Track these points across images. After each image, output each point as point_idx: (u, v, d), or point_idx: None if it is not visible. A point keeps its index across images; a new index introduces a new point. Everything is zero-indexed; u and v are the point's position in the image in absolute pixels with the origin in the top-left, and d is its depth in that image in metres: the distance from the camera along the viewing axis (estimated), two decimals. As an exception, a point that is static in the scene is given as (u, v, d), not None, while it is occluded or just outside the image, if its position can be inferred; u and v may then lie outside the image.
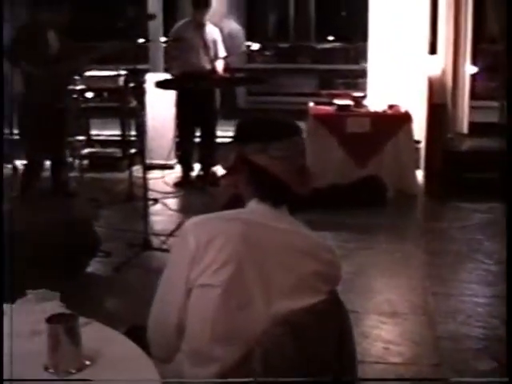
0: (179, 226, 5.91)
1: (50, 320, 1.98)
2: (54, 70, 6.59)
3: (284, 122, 2.25)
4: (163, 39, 8.60)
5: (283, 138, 2.16)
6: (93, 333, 2.13)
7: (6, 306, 2.25)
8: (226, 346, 2.07)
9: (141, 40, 6.61)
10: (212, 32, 7.65)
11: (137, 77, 6.94)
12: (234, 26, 10.78)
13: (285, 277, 2.10)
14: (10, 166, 8.20)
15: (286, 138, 2.16)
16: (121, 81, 8.00)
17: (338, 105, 7.09)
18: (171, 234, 5.66)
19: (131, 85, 7.74)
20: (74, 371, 1.95)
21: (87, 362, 1.98)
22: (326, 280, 2.17)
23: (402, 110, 7.01)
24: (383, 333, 4.26)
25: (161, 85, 6.53)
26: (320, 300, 2.13)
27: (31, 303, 2.30)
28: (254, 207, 2.18)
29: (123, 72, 7.91)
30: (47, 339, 1.96)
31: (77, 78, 7.85)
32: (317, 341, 2.12)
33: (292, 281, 2.11)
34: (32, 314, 2.23)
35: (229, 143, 2.25)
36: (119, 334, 2.20)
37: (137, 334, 2.22)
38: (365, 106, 7.13)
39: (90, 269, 5.12)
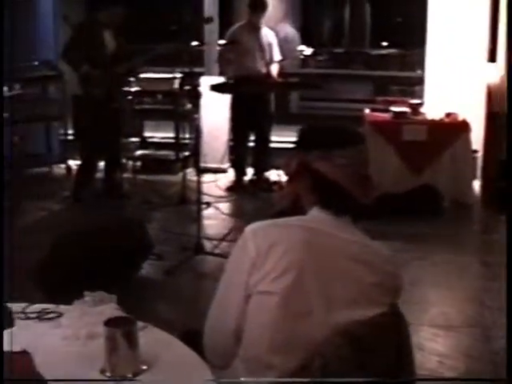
0: (231, 230, 5.91)
1: (108, 323, 1.96)
2: (109, 71, 6.64)
3: (348, 130, 2.22)
4: (219, 42, 8.60)
5: (347, 145, 2.12)
6: (149, 337, 2.11)
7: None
8: (283, 354, 2.04)
9: (196, 43, 6.62)
10: (268, 35, 7.62)
11: (192, 80, 6.95)
12: (289, 29, 10.76)
13: (345, 287, 2.06)
14: (63, 165, 8.29)
15: (349, 145, 2.13)
16: (176, 83, 8.02)
17: (395, 112, 7.00)
18: (223, 239, 5.65)
19: (186, 88, 7.76)
20: (130, 375, 1.93)
21: (144, 367, 1.96)
22: (388, 292, 2.13)
23: (460, 118, 6.88)
24: (438, 346, 4.18)
25: (216, 88, 6.53)
26: (381, 312, 2.08)
27: (88, 305, 2.29)
28: (316, 215, 2.14)
29: (178, 75, 7.93)
30: (105, 342, 1.95)
31: (132, 79, 7.90)
32: (376, 353, 2.07)
33: (353, 291, 2.07)
34: (89, 316, 2.22)
35: (291, 150, 2.21)
36: (175, 339, 2.18)
37: (193, 338, 2.20)
38: (422, 114, 7.03)
39: (141, 272, 5.11)
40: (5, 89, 6.29)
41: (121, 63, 6.79)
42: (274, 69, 7.63)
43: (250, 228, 2.12)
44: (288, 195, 2.24)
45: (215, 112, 7.95)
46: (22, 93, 6.69)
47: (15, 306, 2.34)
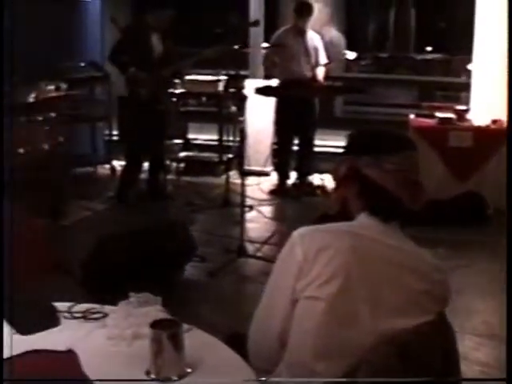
0: (274, 234, 5.91)
1: (154, 325, 1.97)
2: (156, 73, 6.67)
3: (397, 136, 2.20)
4: (264, 45, 8.60)
5: (397, 151, 2.10)
6: (194, 339, 2.11)
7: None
8: (328, 360, 2.02)
9: (241, 45, 6.62)
10: (313, 39, 7.60)
11: (236, 82, 6.96)
12: (334, 33, 10.74)
13: (393, 294, 2.04)
14: (107, 166, 8.36)
15: (399, 151, 2.10)
16: (220, 86, 8.03)
17: (440, 118, 6.94)
18: (266, 242, 5.65)
19: (231, 90, 7.77)
20: (175, 378, 1.94)
21: (188, 369, 1.97)
22: (435, 300, 2.11)
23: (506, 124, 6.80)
24: (480, 355, 4.13)
25: (260, 91, 6.53)
26: (428, 320, 2.06)
27: (133, 306, 2.30)
28: (364, 221, 2.12)
29: (223, 77, 7.94)
30: (150, 344, 1.95)
31: (177, 81, 7.94)
32: (423, 361, 2.05)
33: (400, 299, 2.04)
34: (134, 317, 2.23)
35: (340, 155, 2.19)
36: (220, 342, 2.18)
37: (237, 341, 2.20)
38: (467, 120, 6.95)
39: (185, 273, 5.13)
40: (51, 87, 6.35)
41: (167, 66, 6.82)
42: (320, 72, 7.60)
43: (297, 232, 2.11)
44: (336, 200, 2.22)
45: (259, 115, 7.95)
46: (68, 93, 6.74)
47: (61, 305, 2.37)
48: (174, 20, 6.89)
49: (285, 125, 7.59)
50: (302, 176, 7.60)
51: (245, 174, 5.88)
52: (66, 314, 2.32)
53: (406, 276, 2.06)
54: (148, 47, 6.77)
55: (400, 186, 2.08)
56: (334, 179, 2.21)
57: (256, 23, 6.70)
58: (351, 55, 12.62)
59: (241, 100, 6.25)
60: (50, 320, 2.29)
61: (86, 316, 2.31)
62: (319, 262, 2.01)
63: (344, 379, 2.00)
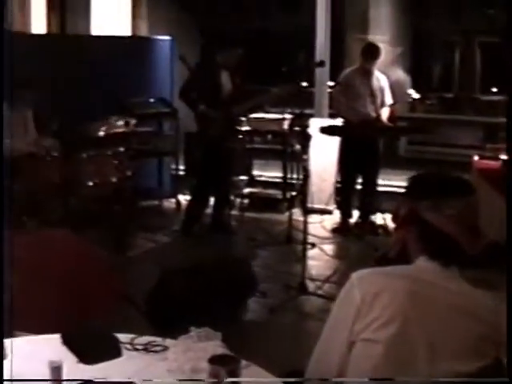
0: (335, 272, 5.91)
1: (212, 360, 2.00)
2: (225, 111, 6.79)
3: (457, 180, 2.20)
4: (329, 84, 8.66)
5: (457, 196, 2.11)
6: (252, 376, 2.14)
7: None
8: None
9: (307, 84, 6.69)
10: (380, 79, 7.61)
11: (301, 121, 7.03)
12: (400, 73, 10.73)
13: (451, 338, 2.04)
14: (173, 200, 8.49)
15: (460, 196, 2.11)
16: (285, 124, 8.10)
17: (504, 160, 6.87)
18: (327, 280, 5.66)
19: (295, 128, 7.83)
20: (232, 413, 1.97)
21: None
22: (493, 345, 2.09)
23: None
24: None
25: (325, 131, 6.58)
26: (485, 365, 2.05)
27: (193, 341, 2.35)
28: (423, 265, 2.13)
29: (288, 116, 8.00)
30: (208, 379, 1.99)
31: (243, 119, 8.04)
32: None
33: (458, 343, 2.04)
34: (193, 352, 2.28)
35: (400, 197, 2.22)
36: (278, 379, 2.20)
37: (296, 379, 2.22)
38: (533, 163, 6.86)
39: (246, 309, 5.16)
40: (121, 123, 6.51)
41: (236, 104, 6.94)
42: (385, 112, 7.61)
43: (356, 275, 2.13)
44: (395, 243, 2.24)
45: (323, 153, 7.99)
46: (137, 128, 6.90)
47: (123, 337, 2.44)
48: (242, 58, 7.02)
49: (349, 164, 7.61)
50: (365, 215, 7.59)
51: (307, 211, 5.91)
52: (128, 346, 2.39)
53: (465, 320, 2.06)
54: (217, 86, 6.90)
55: (459, 231, 2.09)
56: (394, 222, 2.23)
57: (321, 64, 6.78)
58: (417, 95, 12.59)
59: (305, 138, 6.30)
60: (113, 351, 2.35)
61: (147, 348, 2.37)
62: (377, 305, 2.03)
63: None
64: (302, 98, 6.49)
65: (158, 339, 2.44)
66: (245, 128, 8.10)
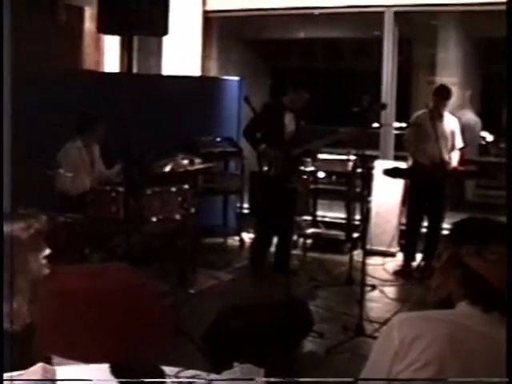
0: (394, 315, 5.86)
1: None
2: (286, 152, 6.87)
3: (501, 225, 2.20)
4: (395, 126, 8.65)
5: (499, 241, 2.11)
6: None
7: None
8: None
9: (374, 125, 6.72)
10: (450, 122, 7.56)
11: (366, 162, 7.04)
12: (470, 116, 10.63)
13: None
14: (237, 237, 8.58)
15: (501, 241, 2.11)
16: (350, 165, 8.12)
17: None
18: (385, 323, 5.62)
19: (359, 170, 7.84)
20: None
21: None
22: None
23: None
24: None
25: (388, 173, 6.57)
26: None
27: (235, 376, 2.38)
28: (464, 310, 2.12)
29: (353, 157, 8.02)
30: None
31: (308, 159, 8.09)
32: None
33: (494, 389, 2.04)
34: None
35: (443, 241, 2.23)
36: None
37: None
38: None
39: (302, 348, 5.17)
40: (185, 162, 6.63)
41: (298, 145, 7.02)
42: (455, 156, 7.55)
43: (397, 317, 2.15)
44: (438, 288, 2.25)
45: (387, 195, 7.98)
46: (203, 167, 7.01)
47: (170, 370, 2.49)
48: (307, 101, 7.10)
49: (415, 206, 7.57)
50: (429, 258, 7.52)
51: (368, 253, 5.91)
52: (174, 379, 2.44)
53: (503, 367, 2.05)
54: (280, 126, 7.01)
55: (501, 277, 2.08)
56: (436, 266, 2.24)
57: (383, 106, 6.80)
58: (489, 138, 12.45)
59: (368, 180, 6.31)
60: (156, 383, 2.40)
61: (191, 382, 2.42)
62: (415, 348, 2.03)
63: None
64: (367, 139, 6.50)
65: (203, 373, 2.48)
66: (309, 168, 8.15)
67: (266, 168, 6.93)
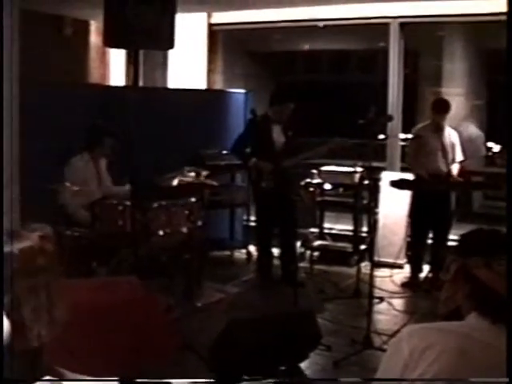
0: (402, 327, 5.83)
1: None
2: (276, 164, 6.92)
3: (509, 236, 2.20)
4: (401, 137, 8.65)
5: (507, 253, 2.10)
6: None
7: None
8: None
9: (381, 136, 6.71)
10: (451, 135, 7.59)
11: (372, 174, 7.03)
12: (473, 129, 10.63)
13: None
14: (244, 250, 8.57)
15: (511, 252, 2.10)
16: (356, 177, 8.10)
17: None
18: (393, 335, 5.58)
19: (366, 182, 7.83)
20: None
21: None
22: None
23: None
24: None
25: (395, 184, 6.56)
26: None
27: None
28: (473, 322, 2.11)
29: (359, 169, 8.01)
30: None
31: (314, 171, 8.09)
32: None
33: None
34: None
35: (451, 253, 2.22)
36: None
37: None
38: None
39: (309, 361, 5.15)
40: (192, 174, 6.61)
41: (288, 157, 7.04)
42: (455, 169, 7.56)
43: (406, 329, 2.15)
44: (448, 300, 2.23)
45: (394, 207, 7.97)
46: (209, 180, 7.01)
47: (177, 382, 2.47)
48: (294, 112, 7.12)
49: (420, 218, 7.55)
50: (436, 270, 7.49)
51: (375, 265, 5.89)
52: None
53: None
54: (269, 139, 7.06)
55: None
56: (444, 278, 2.23)
57: (390, 118, 6.80)
58: (495, 148, 12.41)
59: (375, 192, 6.30)
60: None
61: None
62: (424, 359, 2.02)
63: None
64: (373, 151, 6.49)
65: (210, 387, 2.47)
66: (315, 180, 8.15)
67: (257, 181, 7.01)
